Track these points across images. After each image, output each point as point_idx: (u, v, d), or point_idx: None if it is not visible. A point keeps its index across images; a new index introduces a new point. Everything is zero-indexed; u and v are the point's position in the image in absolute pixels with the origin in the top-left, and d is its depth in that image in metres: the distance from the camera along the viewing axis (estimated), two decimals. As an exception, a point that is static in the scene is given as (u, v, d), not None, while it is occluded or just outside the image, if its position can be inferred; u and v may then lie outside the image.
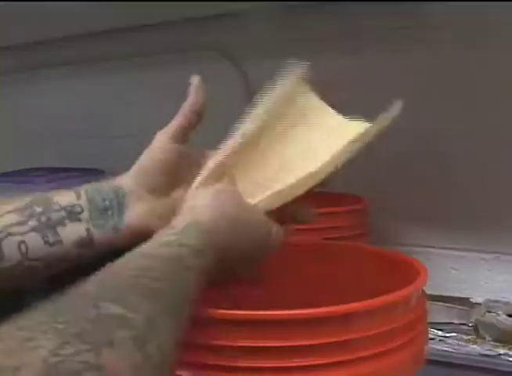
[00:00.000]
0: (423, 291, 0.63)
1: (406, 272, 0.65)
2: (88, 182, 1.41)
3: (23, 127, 1.74)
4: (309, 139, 0.68)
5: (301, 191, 0.64)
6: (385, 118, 0.66)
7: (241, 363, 0.53)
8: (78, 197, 0.67)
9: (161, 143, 0.69)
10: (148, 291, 0.47)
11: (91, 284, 0.46)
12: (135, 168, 0.69)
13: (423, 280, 0.61)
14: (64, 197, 0.67)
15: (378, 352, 0.56)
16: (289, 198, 0.64)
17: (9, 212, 0.65)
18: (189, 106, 0.71)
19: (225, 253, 0.60)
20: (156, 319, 0.44)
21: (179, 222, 0.60)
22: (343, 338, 0.54)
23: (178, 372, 0.55)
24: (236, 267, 0.63)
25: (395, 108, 0.66)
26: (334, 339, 0.54)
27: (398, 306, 0.58)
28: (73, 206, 0.67)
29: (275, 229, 0.66)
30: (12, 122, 1.76)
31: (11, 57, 1.65)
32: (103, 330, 0.40)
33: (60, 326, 0.38)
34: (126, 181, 0.69)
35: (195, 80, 0.72)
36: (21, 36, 1.48)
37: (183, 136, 0.69)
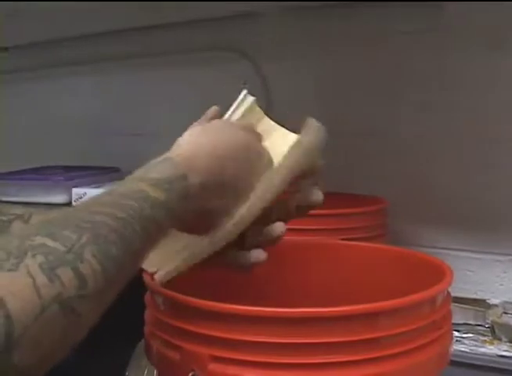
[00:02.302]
0: (448, 291, 0.64)
1: (432, 272, 0.66)
2: (104, 180, 1.42)
3: (40, 125, 1.75)
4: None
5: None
6: (315, 126, 0.69)
7: (274, 360, 0.54)
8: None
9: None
10: (88, 226, 0.48)
11: (49, 219, 0.50)
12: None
13: (449, 281, 0.62)
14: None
15: (404, 351, 0.56)
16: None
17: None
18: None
19: (208, 178, 0.61)
20: (81, 248, 0.46)
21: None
22: (370, 336, 0.55)
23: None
24: (229, 193, 0.64)
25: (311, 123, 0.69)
26: (362, 337, 0.55)
27: (424, 305, 0.59)
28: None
29: (265, 153, 0.68)
30: (29, 120, 1.77)
31: (28, 55, 1.67)
32: (13, 258, 0.42)
33: None
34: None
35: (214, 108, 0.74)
36: (42, 34, 1.48)
37: None
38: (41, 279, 0.42)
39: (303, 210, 0.70)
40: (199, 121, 0.71)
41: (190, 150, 0.62)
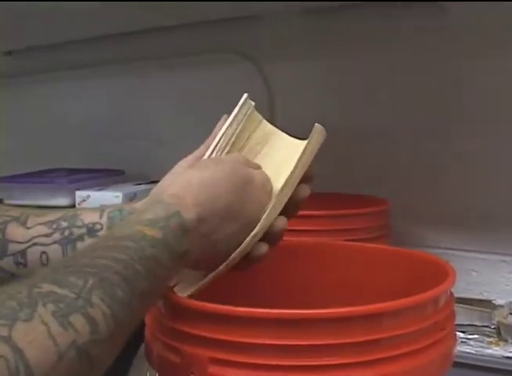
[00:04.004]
0: (451, 292, 0.63)
1: (435, 273, 0.66)
2: (107, 182, 1.42)
3: (44, 128, 1.75)
4: (272, 163, 0.72)
5: (276, 211, 0.66)
6: (319, 131, 0.69)
7: (274, 362, 0.54)
8: (101, 215, 0.72)
9: (181, 169, 0.70)
10: (95, 274, 0.49)
11: (51, 267, 0.52)
12: (151, 194, 0.72)
13: (452, 281, 0.62)
14: (89, 215, 0.72)
15: (407, 352, 0.56)
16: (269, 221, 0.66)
17: (39, 224, 0.72)
18: (212, 139, 0.73)
19: (203, 211, 0.61)
20: (88, 293, 0.46)
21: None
22: (373, 338, 0.54)
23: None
24: (233, 238, 0.64)
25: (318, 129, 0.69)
26: (364, 338, 0.54)
27: (427, 306, 0.58)
28: (95, 224, 0.71)
29: (255, 174, 0.68)
30: (33, 123, 1.77)
31: (35, 58, 1.67)
32: (26, 307, 0.43)
33: None
34: (142, 204, 0.72)
35: (224, 117, 0.73)
36: (46, 37, 1.49)
37: None
38: (56, 327, 0.43)
39: (295, 207, 0.70)
40: (185, 159, 0.72)
41: (179, 188, 0.63)
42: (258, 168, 0.71)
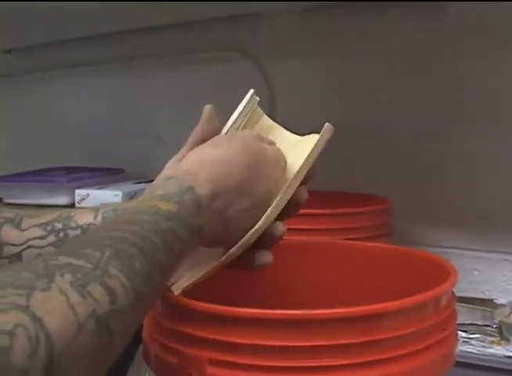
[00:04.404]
0: (452, 292, 0.62)
1: (436, 272, 0.65)
2: (107, 181, 1.43)
3: (43, 126, 1.75)
4: None
5: (281, 206, 0.65)
6: (328, 130, 0.68)
7: (274, 363, 0.53)
8: (96, 216, 0.71)
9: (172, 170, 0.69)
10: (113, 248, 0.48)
11: (67, 242, 0.52)
12: (146, 191, 0.71)
13: (454, 281, 0.61)
14: (83, 216, 0.72)
15: (409, 353, 0.55)
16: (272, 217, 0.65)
17: (34, 226, 0.71)
18: (194, 135, 0.70)
19: (216, 186, 0.60)
20: (106, 264, 0.46)
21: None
22: (374, 338, 0.54)
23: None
24: (249, 214, 0.63)
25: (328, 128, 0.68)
26: (366, 339, 0.54)
27: (429, 306, 0.58)
28: (89, 225, 0.70)
29: (269, 149, 0.66)
30: (33, 121, 1.77)
31: (35, 57, 1.67)
32: (43, 277, 0.42)
33: (7, 278, 0.42)
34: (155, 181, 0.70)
35: (206, 110, 0.71)
36: (46, 36, 1.49)
37: None
38: (75, 296, 0.42)
39: (294, 209, 0.69)
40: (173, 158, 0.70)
41: (190, 165, 0.62)
42: (272, 143, 0.69)
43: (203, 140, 0.68)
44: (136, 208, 0.56)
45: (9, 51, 1.70)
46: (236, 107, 0.73)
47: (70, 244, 0.50)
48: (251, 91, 0.74)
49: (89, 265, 0.45)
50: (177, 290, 0.64)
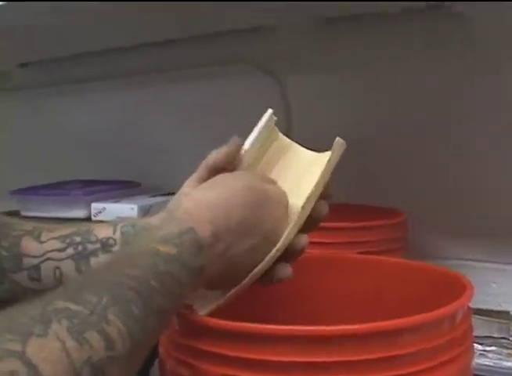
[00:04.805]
0: (468, 306, 0.62)
1: (452, 287, 0.65)
2: (123, 194, 1.43)
3: (60, 140, 1.76)
4: (289, 177, 0.72)
5: (298, 226, 0.66)
6: (340, 145, 0.68)
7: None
8: (114, 231, 0.72)
9: (189, 189, 0.69)
10: (116, 294, 0.48)
11: (64, 285, 0.50)
12: (165, 211, 0.72)
13: (470, 295, 0.61)
14: (102, 230, 0.73)
15: (425, 368, 0.55)
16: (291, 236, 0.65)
17: (53, 238, 0.73)
18: (213, 159, 0.70)
19: (217, 227, 0.59)
20: (103, 310, 0.46)
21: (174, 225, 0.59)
22: (390, 354, 0.54)
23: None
24: (252, 255, 0.62)
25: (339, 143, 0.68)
26: (381, 355, 0.53)
27: (444, 322, 0.58)
28: (108, 239, 0.72)
29: (271, 189, 0.66)
30: (50, 135, 1.78)
31: (49, 71, 1.68)
32: (39, 324, 0.42)
33: (3, 323, 0.42)
34: (156, 220, 0.72)
35: (233, 143, 0.71)
36: (59, 50, 1.49)
37: None
38: (71, 343, 0.42)
39: (314, 223, 0.69)
40: (190, 178, 0.70)
41: (190, 205, 0.61)
42: (273, 183, 0.69)
43: (221, 168, 0.68)
44: (136, 250, 0.55)
45: (25, 65, 1.71)
46: (248, 120, 0.73)
47: (68, 285, 0.50)
48: (270, 111, 0.73)
49: (86, 311, 0.45)
50: (202, 311, 0.63)
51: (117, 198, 1.41)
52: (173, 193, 0.72)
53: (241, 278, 0.63)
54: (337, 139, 0.68)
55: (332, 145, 0.68)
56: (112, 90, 1.64)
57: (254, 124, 0.73)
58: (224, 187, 0.64)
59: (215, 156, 0.69)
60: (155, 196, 1.41)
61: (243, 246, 0.62)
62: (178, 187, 0.71)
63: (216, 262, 0.59)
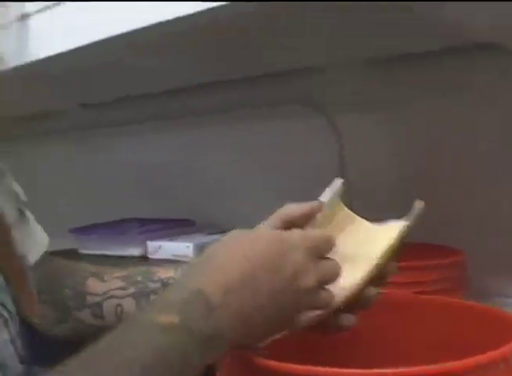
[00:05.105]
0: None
1: (503, 328, 0.64)
2: (178, 233, 1.45)
3: (116, 178, 1.79)
4: (352, 245, 0.71)
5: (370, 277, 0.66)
6: (417, 215, 0.70)
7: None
8: (176, 271, 0.75)
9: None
10: None
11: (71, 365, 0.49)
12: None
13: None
14: (164, 271, 0.76)
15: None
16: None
17: (115, 278, 0.77)
18: (288, 212, 0.69)
19: (244, 313, 0.55)
20: None
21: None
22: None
23: None
24: (271, 320, 0.59)
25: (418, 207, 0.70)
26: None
27: (498, 365, 0.57)
28: (169, 279, 0.75)
29: (298, 256, 0.60)
30: (105, 174, 1.82)
31: (105, 111, 1.71)
32: None
33: None
34: None
35: (316, 202, 0.70)
36: (120, 91, 1.52)
37: None
38: None
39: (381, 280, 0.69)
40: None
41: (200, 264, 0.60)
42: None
43: (291, 222, 0.67)
44: (132, 325, 0.53)
45: (85, 105, 1.75)
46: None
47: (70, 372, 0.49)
48: (340, 180, 0.73)
49: None
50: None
51: (172, 236, 1.44)
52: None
53: (266, 333, 0.60)
54: (416, 206, 0.69)
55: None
56: (166, 131, 1.67)
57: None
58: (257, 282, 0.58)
59: (295, 208, 0.68)
60: (211, 234, 1.41)
61: (258, 299, 0.57)
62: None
63: (232, 320, 0.55)
